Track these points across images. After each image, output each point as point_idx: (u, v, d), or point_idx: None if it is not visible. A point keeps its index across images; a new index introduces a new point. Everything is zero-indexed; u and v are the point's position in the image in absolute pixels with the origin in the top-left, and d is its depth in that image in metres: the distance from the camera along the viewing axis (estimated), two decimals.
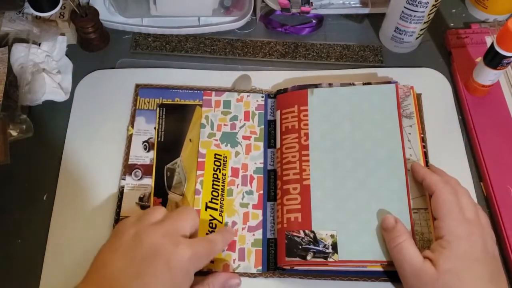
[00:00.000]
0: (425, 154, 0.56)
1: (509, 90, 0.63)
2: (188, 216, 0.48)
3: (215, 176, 0.57)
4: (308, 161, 0.55)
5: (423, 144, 0.56)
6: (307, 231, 0.51)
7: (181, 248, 0.44)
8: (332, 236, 0.51)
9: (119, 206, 0.55)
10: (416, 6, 0.60)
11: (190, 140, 0.59)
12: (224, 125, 0.60)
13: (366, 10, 0.70)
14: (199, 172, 0.56)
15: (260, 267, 0.52)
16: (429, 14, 0.61)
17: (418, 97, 0.61)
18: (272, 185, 0.56)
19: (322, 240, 0.51)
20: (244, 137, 0.59)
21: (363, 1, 0.70)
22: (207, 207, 0.55)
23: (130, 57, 0.67)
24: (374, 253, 0.50)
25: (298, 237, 0.51)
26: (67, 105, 0.62)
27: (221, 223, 0.54)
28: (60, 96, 0.62)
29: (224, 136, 0.59)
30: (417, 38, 0.66)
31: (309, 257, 0.50)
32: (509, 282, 0.52)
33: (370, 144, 0.55)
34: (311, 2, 0.66)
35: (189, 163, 0.57)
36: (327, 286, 0.51)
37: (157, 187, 0.56)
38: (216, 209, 0.55)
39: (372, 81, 0.60)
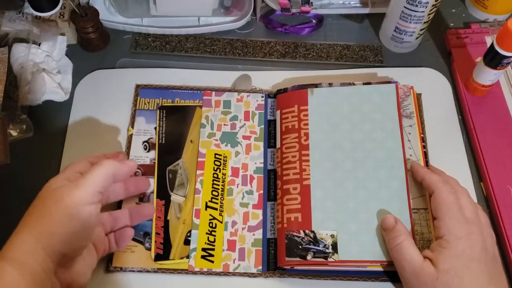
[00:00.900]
0: (425, 154, 0.56)
1: (509, 90, 0.63)
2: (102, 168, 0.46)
3: (215, 175, 0.57)
4: (308, 161, 0.55)
5: (423, 144, 0.56)
6: (307, 231, 0.51)
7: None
8: (332, 236, 0.51)
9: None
10: (416, 6, 0.60)
11: (191, 141, 0.59)
12: (224, 125, 0.60)
13: (366, 10, 0.70)
14: (199, 172, 0.57)
15: (260, 267, 0.52)
16: (429, 14, 0.61)
17: (418, 97, 0.61)
18: (272, 185, 0.56)
19: (322, 240, 0.51)
20: (244, 137, 0.59)
21: (363, 1, 0.70)
22: (207, 206, 0.55)
23: (130, 57, 0.67)
24: (374, 253, 0.50)
25: (298, 237, 0.51)
26: (67, 105, 0.62)
27: (221, 222, 0.54)
28: (60, 96, 0.62)
29: (224, 136, 0.59)
30: (417, 38, 0.66)
31: (309, 257, 0.50)
32: (509, 282, 0.52)
33: (370, 144, 0.55)
34: (311, 2, 0.66)
35: (190, 164, 0.57)
36: (327, 286, 0.51)
37: (159, 188, 0.56)
38: (216, 209, 0.55)
39: (372, 81, 0.60)
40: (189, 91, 0.62)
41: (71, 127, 0.60)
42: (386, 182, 0.53)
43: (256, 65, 0.66)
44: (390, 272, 0.50)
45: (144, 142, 0.59)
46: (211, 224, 0.54)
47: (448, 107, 0.63)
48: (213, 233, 0.53)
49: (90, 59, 0.66)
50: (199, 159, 0.57)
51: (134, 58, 0.67)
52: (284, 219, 0.53)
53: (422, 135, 0.57)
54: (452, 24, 0.71)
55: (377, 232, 0.51)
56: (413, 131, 0.57)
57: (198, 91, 0.62)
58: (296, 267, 0.51)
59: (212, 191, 0.56)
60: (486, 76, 0.59)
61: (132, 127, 0.60)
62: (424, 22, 0.63)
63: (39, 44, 0.62)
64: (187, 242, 0.53)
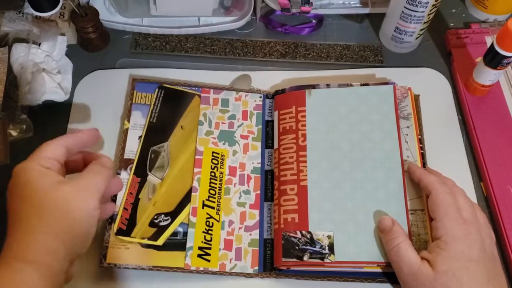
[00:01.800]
0: (422, 155, 0.56)
1: (509, 90, 0.63)
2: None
3: (213, 174, 0.57)
4: (305, 161, 0.55)
5: (421, 145, 0.56)
6: (304, 232, 0.51)
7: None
8: (329, 237, 0.51)
9: (114, 201, 0.55)
10: (416, 6, 0.60)
11: (181, 127, 0.59)
12: (222, 123, 0.60)
13: (366, 10, 0.69)
14: (196, 170, 0.56)
15: (257, 267, 0.52)
16: (429, 14, 0.61)
17: (416, 98, 0.61)
18: (269, 185, 0.56)
19: (319, 241, 0.51)
20: (242, 136, 0.59)
21: (363, 1, 0.69)
22: (204, 205, 0.55)
23: (130, 57, 0.67)
24: (370, 254, 0.50)
25: (295, 237, 0.51)
26: (67, 105, 0.62)
27: (218, 221, 0.54)
28: (60, 96, 0.62)
29: (222, 134, 0.59)
30: (417, 38, 0.65)
31: (305, 258, 0.50)
32: (509, 282, 0.51)
33: (368, 145, 0.55)
34: (311, 2, 0.66)
35: (176, 149, 0.57)
36: (323, 287, 0.51)
37: (138, 165, 0.56)
38: (213, 207, 0.55)
39: (370, 82, 0.59)
40: (187, 87, 0.62)
41: (71, 127, 0.61)
42: (384, 183, 0.53)
43: (256, 65, 0.66)
44: (387, 273, 0.50)
45: (139, 136, 0.58)
46: (207, 223, 0.54)
47: (448, 107, 0.63)
48: (209, 232, 0.53)
49: (90, 59, 0.66)
50: (196, 157, 0.57)
51: (134, 58, 0.67)
52: (281, 220, 0.53)
53: (420, 136, 0.57)
54: (452, 24, 0.70)
55: (374, 233, 0.51)
56: (410, 132, 0.56)
57: (196, 88, 0.62)
58: (292, 268, 0.51)
59: (210, 189, 0.56)
60: (486, 76, 0.59)
61: (128, 121, 0.60)
62: (424, 22, 0.62)
63: (39, 44, 0.62)
64: (152, 224, 0.53)
